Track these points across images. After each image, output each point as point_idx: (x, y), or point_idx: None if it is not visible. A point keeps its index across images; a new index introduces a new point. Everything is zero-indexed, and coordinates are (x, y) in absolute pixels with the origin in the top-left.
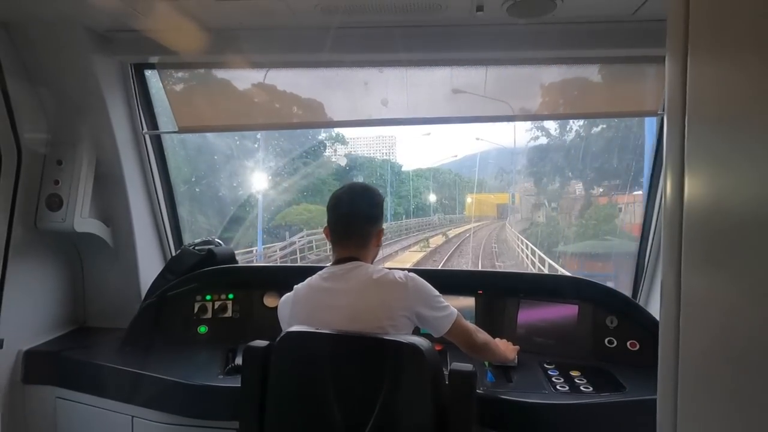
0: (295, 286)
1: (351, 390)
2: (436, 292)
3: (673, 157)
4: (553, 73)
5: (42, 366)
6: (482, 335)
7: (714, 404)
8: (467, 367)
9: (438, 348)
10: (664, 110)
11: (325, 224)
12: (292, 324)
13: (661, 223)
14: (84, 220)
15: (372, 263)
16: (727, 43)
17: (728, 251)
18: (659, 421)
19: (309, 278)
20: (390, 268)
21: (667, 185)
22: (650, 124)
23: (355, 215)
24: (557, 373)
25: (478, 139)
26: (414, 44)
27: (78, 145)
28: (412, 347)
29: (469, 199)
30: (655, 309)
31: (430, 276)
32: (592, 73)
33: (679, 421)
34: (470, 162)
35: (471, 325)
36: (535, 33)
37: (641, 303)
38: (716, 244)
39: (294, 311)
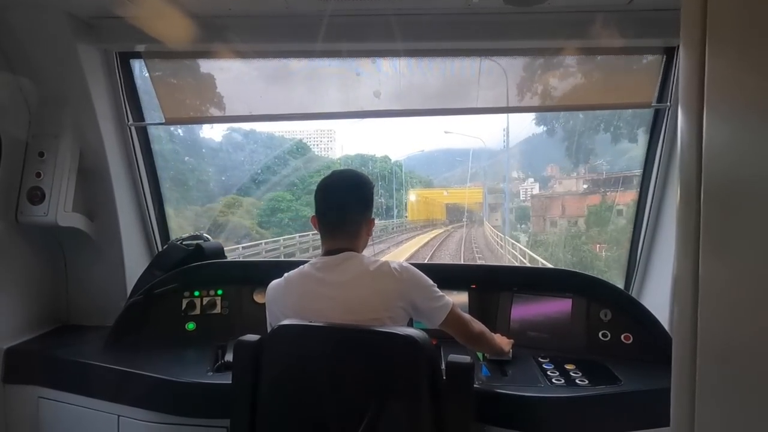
0: (286, 274)
1: (346, 384)
2: (431, 282)
3: (689, 147)
4: (547, 64)
5: (24, 365)
6: (477, 325)
7: (735, 399)
8: (464, 359)
9: (433, 342)
10: (658, 101)
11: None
12: (282, 312)
13: (653, 214)
14: (67, 214)
15: (362, 252)
16: (748, 32)
17: (750, 237)
18: (674, 415)
19: (300, 267)
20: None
21: (681, 177)
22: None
23: (346, 205)
24: (552, 366)
25: (446, 132)
26: (408, 34)
27: (61, 137)
28: (408, 339)
29: (412, 197)
30: (648, 300)
31: (423, 270)
32: (585, 64)
33: (697, 416)
34: (419, 159)
35: (466, 315)
36: (530, 22)
37: (634, 294)
38: (737, 233)
39: (286, 299)
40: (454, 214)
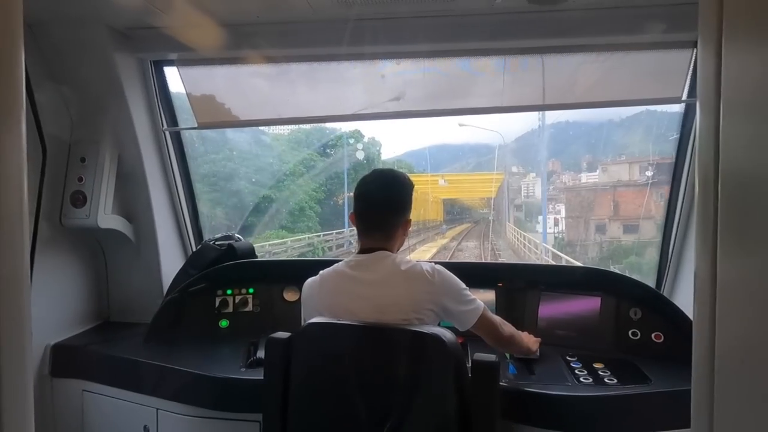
0: (321, 272)
1: (374, 381)
2: (463, 285)
3: (706, 143)
4: (573, 61)
5: (69, 360)
6: (508, 328)
7: (754, 399)
8: (490, 357)
9: (459, 341)
10: (688, 96)
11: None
12: (316, 309)
13: (685, 211)
14: (107, 217)
15: (397, 252)
16: (765, 26)
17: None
18: (694, 416)
19: (335, 265)
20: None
21: (699, 173)
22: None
23: (383, 206)
24: (580, 365)
25: (461, 125)
26: (433, 35)
27: (100, 143)
28: (435, 338)
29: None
30: (680, 300)
31: (450, 268)
32: (614, 59)
33: (716, 416)
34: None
35: (497, 318)
36: (555, 20)
37: (665, 294)
38: (754, 230)
39: (320, 297)
40: (456, 213)
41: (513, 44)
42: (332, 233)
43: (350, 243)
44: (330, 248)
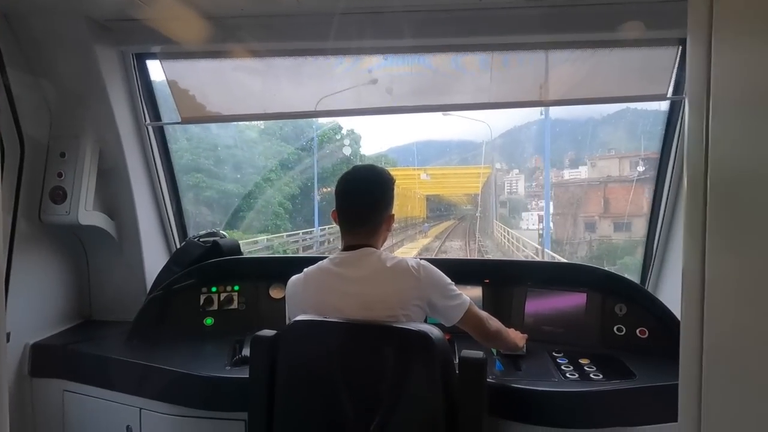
0: (305, 269)
1: (360, 379)
2: (449, 280)
3: (695, 140)
4: (559, 57)
5: (49, 359)
6: (494, 323)
7: (741, 393)
8: (478, 354)
9: (446, 337)
10: (673, 93)
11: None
12: (301, 307)
13: (669, 207)
14: (88, 213)
15: (381, 247)
16: (754, 24)
17: (756, 233)
18: (681, 411)
19: (319, 263)
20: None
21: (688, 171)
22: None
23: (365, 203)
24: (566, 361)
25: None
26: (420, 30)
27: (81, 137)
28: (422, 335)
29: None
30: (664, 295)
31: (437, 265)
32: (600, 56)
33: (704, 410)
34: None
35: (483, 313)
36: (542, 16)
37: (650, 289)
38: (743, 227)
39: (305, 294)
40: (441, 209)
41: (501, 40)
42: (299, 233)
43: (320, 244)
44: (295, 251)
